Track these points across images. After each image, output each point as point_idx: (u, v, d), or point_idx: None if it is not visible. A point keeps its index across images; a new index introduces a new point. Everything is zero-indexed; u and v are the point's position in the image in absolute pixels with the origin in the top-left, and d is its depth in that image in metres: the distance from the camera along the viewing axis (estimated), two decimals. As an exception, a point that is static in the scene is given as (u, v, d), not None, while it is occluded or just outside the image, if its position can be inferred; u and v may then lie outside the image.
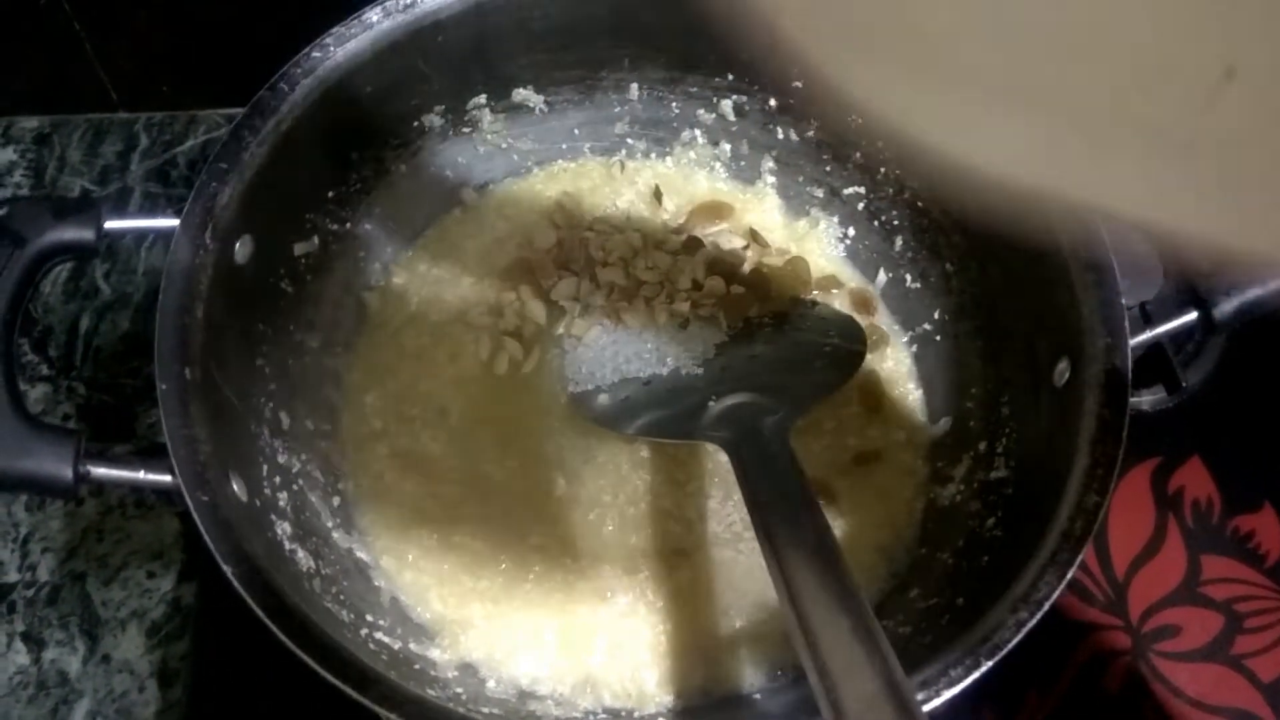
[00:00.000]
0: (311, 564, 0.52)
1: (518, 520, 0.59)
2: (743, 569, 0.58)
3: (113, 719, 0.61)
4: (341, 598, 0.52)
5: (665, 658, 0.56)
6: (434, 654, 0.54)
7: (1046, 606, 0.45)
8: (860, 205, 0.68)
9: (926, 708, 0.43)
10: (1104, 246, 0.53)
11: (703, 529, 0.59)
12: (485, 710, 0.49)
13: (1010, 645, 0.44)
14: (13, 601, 0.65)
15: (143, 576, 0.66)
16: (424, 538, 0.58)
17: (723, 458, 0.59)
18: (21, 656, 0.63)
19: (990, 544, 0.53)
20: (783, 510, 0.47)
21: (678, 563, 0.58)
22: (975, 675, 0.44)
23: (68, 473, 0.46)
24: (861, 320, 0.65)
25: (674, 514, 0.59)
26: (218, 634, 0.62)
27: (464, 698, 0.51)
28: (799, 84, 0.65)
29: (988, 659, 0.44)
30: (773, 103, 0.67)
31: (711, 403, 0.57)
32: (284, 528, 0.52)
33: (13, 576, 0.65)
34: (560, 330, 0.63)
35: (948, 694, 0.43)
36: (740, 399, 0.56)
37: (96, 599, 0.65)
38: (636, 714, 0.54)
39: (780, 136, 0.69)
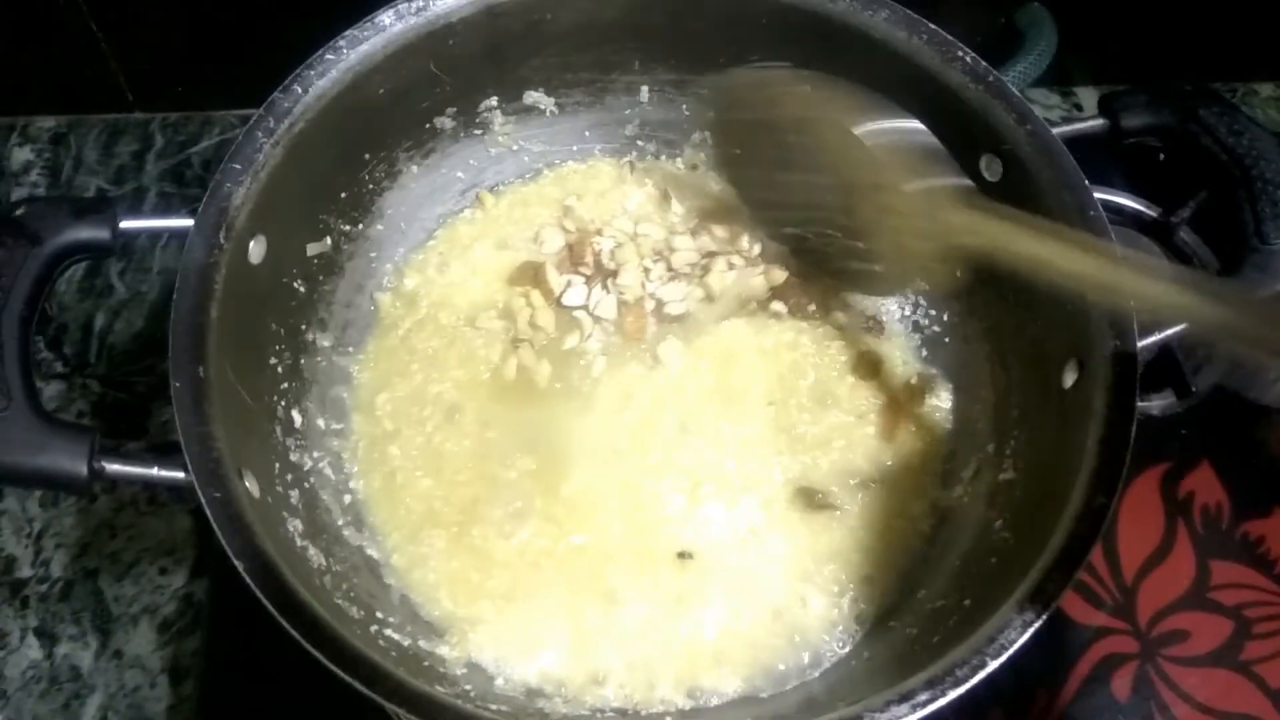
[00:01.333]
0: (322, 561, 0.52)
1: (528, 521, 0.59)
2: (749, 571, 0.58)
3: (124, 714, 0.62)
4: (352, 594, 0.52)
5: (672, 657, 0.56)
6: (443, 651, 0.54)
7: (1053, 607, 0.45)
8: (870, 208, 0.68)
9: (933, 706, 0.43)
10: (1114, 249, 0.53)
11: (710, 532, 0.59)
12: (493, 707, 0.49)
13: (1017, 645, 0.44)
14: (26, 597, 0.65)
15: (155, 573, 0.66)
16: (434, 537, 0.58)
17: (731, 464, 0.60)
18: (34, 651, 0.64)
19: (998, 545, 0.53)
20: None
21: (685, 565, 0.58)
22: (982, 675, 0.44)
23: (83, 469, 0.47)
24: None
25: (681, 518, 0.59)
26: (229, 630, 0.63)
27: (472, 694, 0.51)
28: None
29: (994, 659, 0.44)
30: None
31: None
32: (295, 525, 0.52)
33: (26, 572, 0.66)
34: (571, 345, 0.64)
35: (954, 693, 0.43)
36: None
37: (109, 594, 0.65)
38: (643, 712, 0.54)
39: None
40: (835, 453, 0.62)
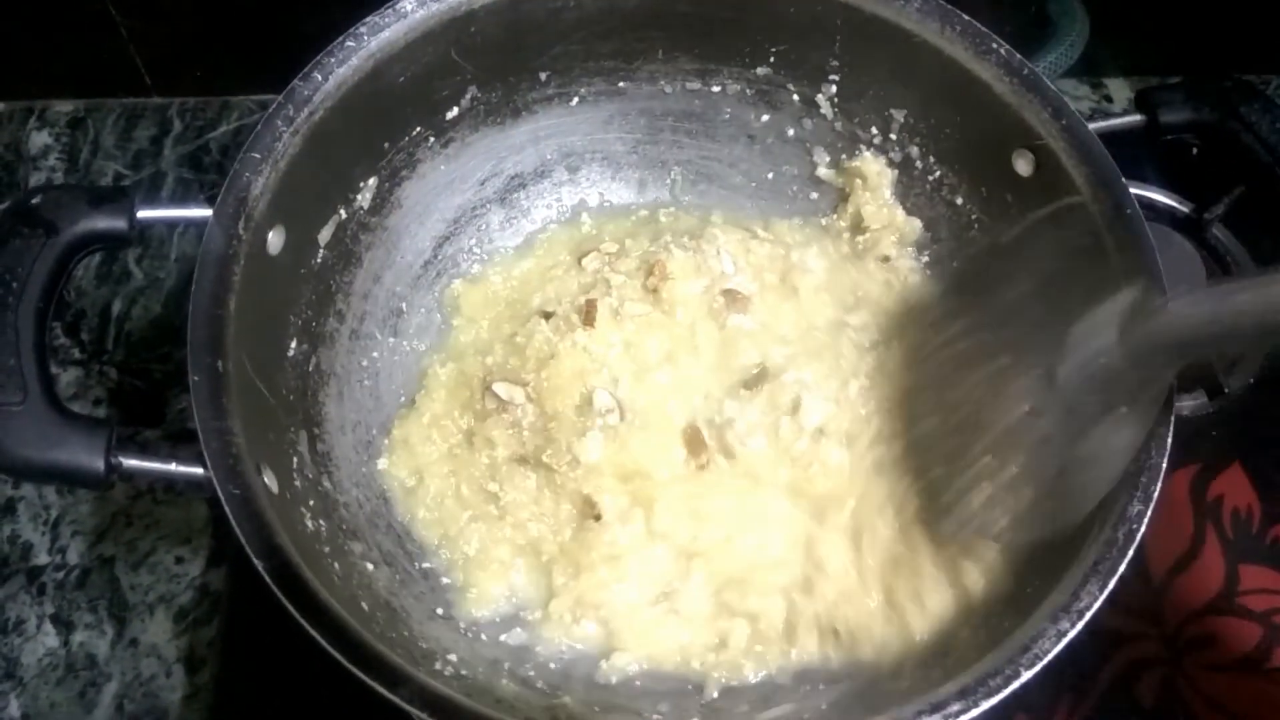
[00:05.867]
0: (340, 557, 0.52)
1: (553, 527, 0.58)
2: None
3: (140, 702, 0.62)
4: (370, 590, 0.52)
5: (713, 651, 0.55)
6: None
7: (1088, 616, 0.44)
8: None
9: (965, 717, 0.42)
10: (1151, 249, 0.52)
11: None
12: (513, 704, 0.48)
13: (1051, 655, 0.43)
14: (43, 584, 0.65)
15: (171, 561, 0.66)
16: (469, 535, 0.58)
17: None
18: (51, 639, 0.64)
19: (1031, 555, 0.52)
20: None
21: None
22: (1014, 685, 0.43)
23: (100, 464, 0.46)
24: None
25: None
26: (245, 620, 0.62)
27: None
28: (835, 76, 0.64)
29: (1028, 669, 0.43)
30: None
31: None
32: (313, 521, 0.52)
33: (43, 559, 0.66)
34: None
35: (986, 704, 0.42)
36: None
37: (125, 583, 0.65)
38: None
39: (810, 128, 0.68)
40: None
